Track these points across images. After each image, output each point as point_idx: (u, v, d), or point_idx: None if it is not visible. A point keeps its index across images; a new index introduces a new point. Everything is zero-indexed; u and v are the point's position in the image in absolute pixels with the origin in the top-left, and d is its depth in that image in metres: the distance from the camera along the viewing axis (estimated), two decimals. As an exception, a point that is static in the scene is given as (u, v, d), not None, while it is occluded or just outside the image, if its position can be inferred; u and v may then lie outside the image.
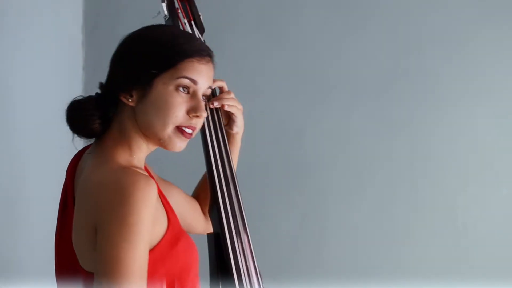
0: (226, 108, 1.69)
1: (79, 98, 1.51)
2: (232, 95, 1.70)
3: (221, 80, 1.71)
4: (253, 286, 1.60)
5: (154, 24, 1.57)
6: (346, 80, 2.66)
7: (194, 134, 1.51)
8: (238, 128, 1.75)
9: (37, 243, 2.37)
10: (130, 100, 1.48)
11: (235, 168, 1.75)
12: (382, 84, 2.63)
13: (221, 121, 1.70)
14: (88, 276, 1.43)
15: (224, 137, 1.69)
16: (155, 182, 1.44)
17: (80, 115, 1.49)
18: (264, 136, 2.68)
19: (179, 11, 1.71)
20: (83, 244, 1.42)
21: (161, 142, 1.49)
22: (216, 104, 1.68)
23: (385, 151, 2.63)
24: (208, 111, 1.67)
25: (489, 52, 2.55)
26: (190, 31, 1.72)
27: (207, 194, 1.69)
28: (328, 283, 2.61)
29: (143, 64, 1.46)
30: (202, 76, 1.49)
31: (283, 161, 2.70)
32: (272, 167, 2.70)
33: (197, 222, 1.82)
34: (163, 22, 1.71)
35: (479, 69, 2.56)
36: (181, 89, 1.47)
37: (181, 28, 1.71)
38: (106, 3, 2.79)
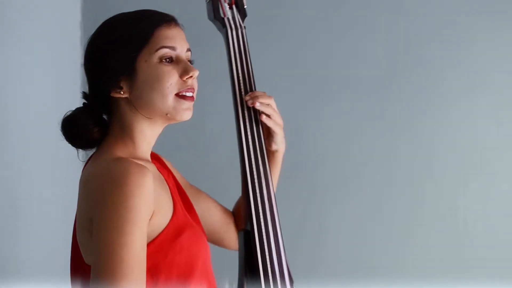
0: (257, 106, 1.63)
1: (69, 113, 1.49)
2: (271, 101, 1.65)
3: (269, 97, 1.66)
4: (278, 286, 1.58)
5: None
6: (346, 78, 2.67)
7: (195, 95, 1.49)
8: (277, 145, 1.68)
9: (37, 243, 2.32)
10: (122, 92, 1.46)
11: (274, 189, 1.64)
12: (382, 82, 2.65)
13: (261, 137, 1.63)
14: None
15: (264, 156, 1.62)
16: (169, 172, 1.45)
17: (78, 129, 1.47)
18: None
19: (221, -6, 1.68)
20: (83, 238, 1.40)
21: (168, 116, 1.46)
22: (247, 99, 1.63)
23: (385, 148, 2.64)
24: (248, 127, 1.63)
25: (489, 50, 2.59)
26: (231, 16, 1.69)
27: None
28: (327, 281, 2.60)
29: (119, 52, 1.45)
30: (176, 41, 1.47)
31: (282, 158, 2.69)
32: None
33: (229, 236, 1.74)
34: (204, 5, 1.69)
35: (480, 67, 2.60)
36: (164, 60, 1.45)
37: (222, 12, 1.69)
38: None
